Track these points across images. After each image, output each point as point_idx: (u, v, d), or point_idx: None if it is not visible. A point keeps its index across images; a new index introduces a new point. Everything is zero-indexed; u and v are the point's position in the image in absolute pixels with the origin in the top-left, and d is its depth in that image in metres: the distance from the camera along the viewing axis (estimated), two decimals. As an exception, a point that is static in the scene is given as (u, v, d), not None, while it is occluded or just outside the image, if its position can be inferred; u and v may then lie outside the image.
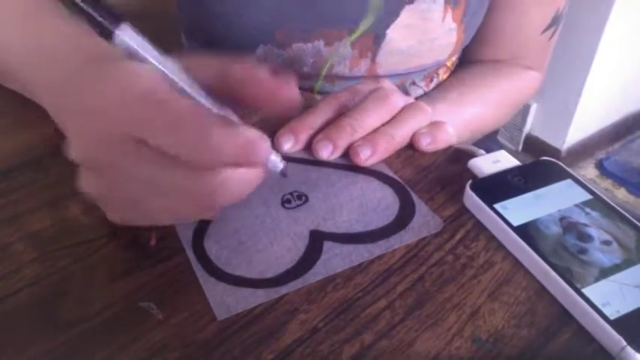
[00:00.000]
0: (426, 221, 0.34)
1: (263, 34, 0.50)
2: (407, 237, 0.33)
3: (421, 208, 0.35)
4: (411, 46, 0.52)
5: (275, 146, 0.39)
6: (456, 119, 0.55)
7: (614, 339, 0.27)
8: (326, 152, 0.38)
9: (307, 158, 0.39)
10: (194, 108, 0.25)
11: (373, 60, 0.53)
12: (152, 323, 0.28)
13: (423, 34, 0.52)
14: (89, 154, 0.26)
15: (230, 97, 0.29)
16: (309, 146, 0.39)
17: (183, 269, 0.31)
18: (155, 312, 0.28)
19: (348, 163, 0.39)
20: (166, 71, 0.27)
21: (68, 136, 0.27)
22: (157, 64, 0.27)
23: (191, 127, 0.25)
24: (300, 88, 0.58)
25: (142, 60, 0.27)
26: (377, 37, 0.51)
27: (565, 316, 0.29)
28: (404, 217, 0.35)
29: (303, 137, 0.39)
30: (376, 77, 0.54)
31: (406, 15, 0.50)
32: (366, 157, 0.38)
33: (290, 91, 0.29)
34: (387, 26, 0.50)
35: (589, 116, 1.63)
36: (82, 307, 0.29)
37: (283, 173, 0.32)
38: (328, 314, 0.29)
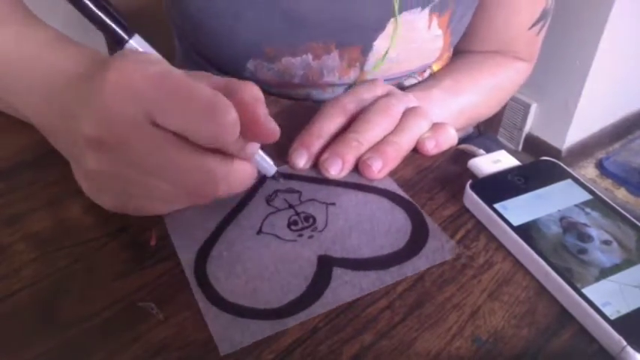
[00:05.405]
0: (440, 246, 0.33)
1: (252, 49, 0.51)
2: (420, 264, 0.31)
3: (435, 231, 0.34)
4: (399, 54, 0.53)
5: (289, 163, 0.38)
6: (451, 106, 0.56)
7: (614, 339, 0.27)
8: (335, 169, 0.37)
9: (315, 177, 0.37)
10: (205, 89, 0.27)
11: (362, 69, 0.54)
12: (152, 323, 0.28)
13: (410, 42, 0.52)
14: (101, 131, 0.27)
15: None
16: (316, 164, 0.38)
17: (184, 269, 0.31)
18: (155, 312, 0.28)
19: (356, 182, 0.37)
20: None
21: (78, 121, 0.28)
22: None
23: (201, 107, 0.26)
24: (292, 98, 0.59)
25: None
26: (364, 48, 0.52)
27: (565, 316, 0.29)
28: (417, 241, 0.33)
29: (315, 148, 0.38)
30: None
31: (392, 27, 0.51)
32: (377, 168, 0.37)
33: (269, 132, 0.29)
34: (374, 38, 0.51)
35: (589, 116, 1.63)
36: (82, 307, 0.29)
37: (274, 177, 0.35)
38: (328, 314, 0.29)
